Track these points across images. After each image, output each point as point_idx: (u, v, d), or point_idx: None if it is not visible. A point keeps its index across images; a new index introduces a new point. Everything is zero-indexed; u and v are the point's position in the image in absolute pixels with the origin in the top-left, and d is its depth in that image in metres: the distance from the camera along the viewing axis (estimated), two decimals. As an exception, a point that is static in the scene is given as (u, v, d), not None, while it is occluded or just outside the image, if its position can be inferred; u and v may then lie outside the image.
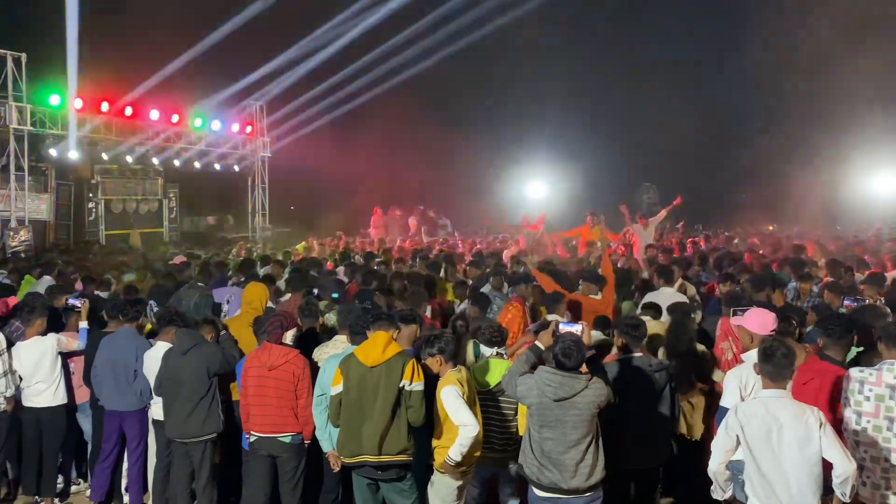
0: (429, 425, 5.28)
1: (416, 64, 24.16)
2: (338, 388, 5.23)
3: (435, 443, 5.27)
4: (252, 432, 5.80)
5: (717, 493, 4.50)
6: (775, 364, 4.23)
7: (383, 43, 23.39)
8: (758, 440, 4.17)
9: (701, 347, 6.54)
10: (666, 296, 8.36)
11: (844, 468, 4.05)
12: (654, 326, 6.88)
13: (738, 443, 4.26)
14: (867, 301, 7.46)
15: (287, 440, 5.76)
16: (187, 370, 6.04)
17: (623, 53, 27.63)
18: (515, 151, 27.27)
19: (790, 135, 23.34)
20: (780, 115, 24.98)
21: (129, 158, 22.20)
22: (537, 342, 5.21)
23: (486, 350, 5.70)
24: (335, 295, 8.43)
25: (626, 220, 15.73)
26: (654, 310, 7.33)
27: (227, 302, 8.78)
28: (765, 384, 4.28)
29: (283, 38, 24.52)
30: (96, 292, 9.25)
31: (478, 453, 5.29)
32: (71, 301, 7.35)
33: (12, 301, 7.99)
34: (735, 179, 25.87)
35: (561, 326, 5.24)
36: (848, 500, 4.14)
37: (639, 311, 7.65)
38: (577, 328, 5.19)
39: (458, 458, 5.02)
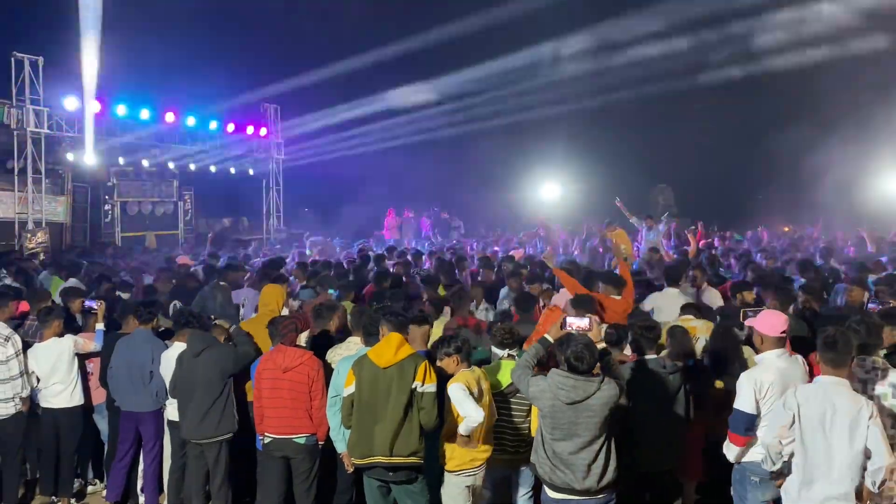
0: (440, 426, 5.28)
1: (428, 65, 24.15)
2: (350, 389, 5.24)
3: (445, 443, 5.28)
4: (266, 434, 5.83)
5: (766, 465, 4.66)
6: (838, 352, 4.45)
7: (398, 44, 23.40)
8: (812, 421, 4.38)
9: (748, 350, 6.44)
10: (671, 296, 8.33)
11: (882, 459, 4.25)
12: (700, 328, 6.82)
13: (794, 421, 4.44)
14: (891, 304, 7.44)
15: (302, 441, 5.79)
16: (200, 372, 6.08)
17: (639, 52, 27.46)
18: (530, 152, 27.17)
19: (810, 134, 23.00)
20: (799, 115, 24.69)
21: (144, 161, 22.33)
22: (546, 335, 5.22)
23: (497, 352, 5.71)
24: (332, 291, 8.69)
25: (625, 214, 15.81)
26: (695, 309, 7.29)
27: (243, 305, 8.84)
28: (825, 371, 4.49)
29: (299, 39, 24.63)
30: (118, 293, 9.35)
31: (487, 454, 5.31)
32: (88, 303, 7.43)
33: (24, 306, 8.04)
34: (753, 179, 25.66)
35: (568, 320, 5.25)
36: (876, 490, 4.31)
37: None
38: (584, 322, 5.21)
39: (465, 433, 5.06)
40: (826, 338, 4.51)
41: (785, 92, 25.26)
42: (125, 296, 9.29)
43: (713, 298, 8.65)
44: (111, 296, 8.83)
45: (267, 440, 5.85)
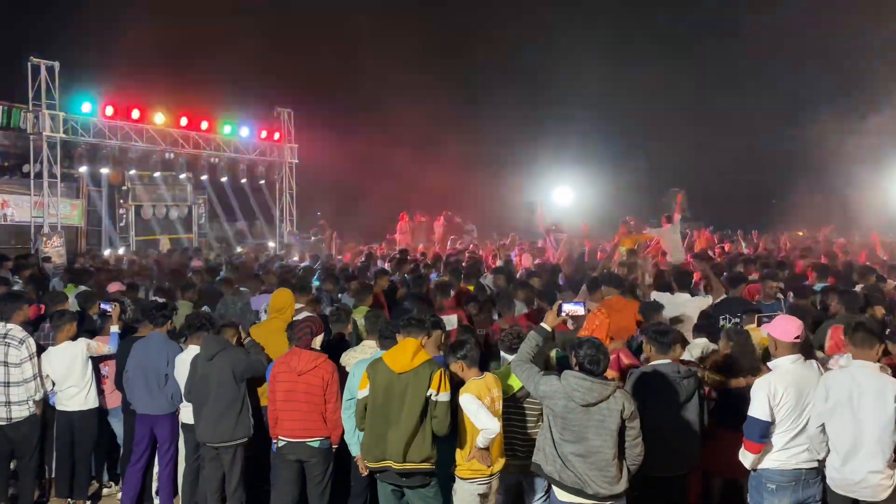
0: (454, 432, 5.28)
1: (442, 68, 24.23)
2: (364, 392, 5.25)
3: (458, 450, 5.27)
4: (281, 437, 5.84)
5: (814, 454, 4.84)
6: (865, 333, 4.75)
7: (411, 48, 23.46)
8: (841, 401, 4.64)
9: (821, 355, 6.34)
10: (683, 301, 8.27)
11: None
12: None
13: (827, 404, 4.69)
14: None
15: (316, 445, 5.79)
16: (215, 375, 6.09)
17: (653, 53, 27.41)
18: (542, 155, 27.15)
19: (823, 136, 22.80)
20: (813, 117, 24.51)
21: (158, 165, 22.43)
22: (543, 324, 5.22)
23: (507, 357, 5.68)
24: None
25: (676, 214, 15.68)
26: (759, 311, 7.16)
27: (265, 311, 8.86)
28: (854, 354, 4.80)
29: (312, 44, 24.72)
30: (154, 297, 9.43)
31: (503, 460, 5.30)
32: (103, 306, 7.48)
33: (42, 308, 8.09)
34: (767, 183, 25.52)
35: (564, 307, 5.27)
36: None
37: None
38: (580, 308, 5.25)
39: (483, 445, 5.09)
40: (856, 324, 4.83)
41: (799, 95, 25.11)
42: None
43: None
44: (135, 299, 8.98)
45: (281, 443, 5.85)
